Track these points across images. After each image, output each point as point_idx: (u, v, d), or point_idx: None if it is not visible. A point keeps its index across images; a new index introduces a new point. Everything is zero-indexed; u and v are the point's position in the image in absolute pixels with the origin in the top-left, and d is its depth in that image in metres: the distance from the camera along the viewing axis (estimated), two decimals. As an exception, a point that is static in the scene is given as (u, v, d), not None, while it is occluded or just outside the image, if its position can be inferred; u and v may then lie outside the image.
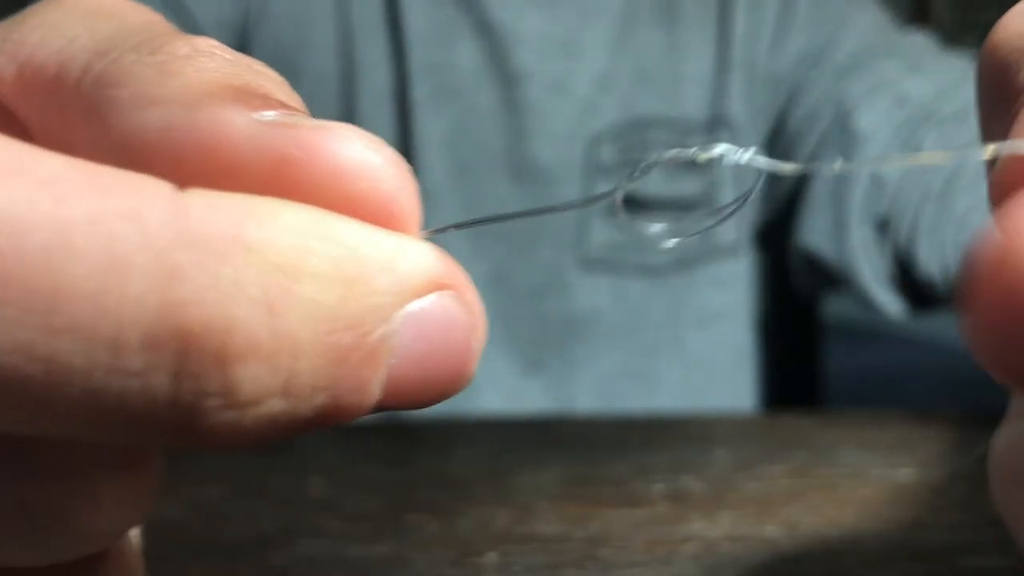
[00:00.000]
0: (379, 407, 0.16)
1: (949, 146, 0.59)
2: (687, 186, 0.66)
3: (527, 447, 0.47)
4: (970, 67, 0.64)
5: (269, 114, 0.16)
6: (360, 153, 0.16)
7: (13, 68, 0.17)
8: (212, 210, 0.14)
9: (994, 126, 0.19)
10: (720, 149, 0.18)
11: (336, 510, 0.39)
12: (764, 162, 0.18)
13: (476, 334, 0.17)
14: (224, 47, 0.17)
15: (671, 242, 0.20)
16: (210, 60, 0.16)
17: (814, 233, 0.64)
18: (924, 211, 0.59)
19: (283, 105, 0.16)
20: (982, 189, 0.58)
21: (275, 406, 0.14)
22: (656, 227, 0.20)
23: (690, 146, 0.67)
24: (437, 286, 0.16)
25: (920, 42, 0.66)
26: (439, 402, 0.16)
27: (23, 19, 0.18)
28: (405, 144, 0.64)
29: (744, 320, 0.69)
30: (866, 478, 0.41)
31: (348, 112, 0.64)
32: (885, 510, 0.38)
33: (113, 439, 0.14)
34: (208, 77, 0.16)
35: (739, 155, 0.18)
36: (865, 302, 0.63)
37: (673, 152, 0.18)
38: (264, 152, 0.15)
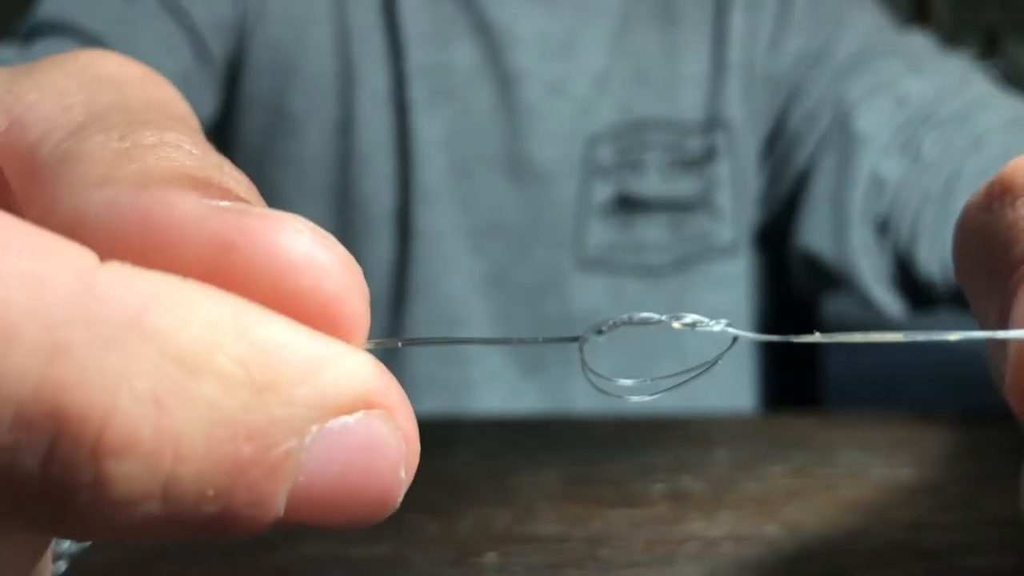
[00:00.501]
0: (279, 524, 0.14)
1: (949, 147, 0.59)
2: (684, 186, 0.66)
3: (527, 447, 0.47)
4: (970, 67, 0.64)
5: (221, 203, 0.15)
6: (306, 247, 0.15)
7: (5, 122, 0.17)
8: (119, 288, 0.13)
9: (982, 290, 0.18)
10: (690, 319, 0.17)
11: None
12: (735, 332, 0.17)
13: (406, 461, 0.15)
14: (196, 141, 0.16)
15: (644, 398, 0.19)
16: (174, 151, 0.16)
17: (814, 234, 0.64)
18: (924, 212, 0.59)
19: (239, 199, 0.15)
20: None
21: (152, 508, 0.13)
22: (627, 382, 0.18)
23: (688, 146, 0.67)
24: (365, 403, 0.14)
25: (920, 42, 0.66)
26: (350, 528, 0.15)
27: (32, 71, 0.18)
28: (403, 144, 0.64)
29: (743, 320, 0.69)
30: (866, 478, 0.41)
31: (346, 112, 0.64)
32: (885, 510, 0.38)
33: None
34: (166, 165, 0.15)
35: (711, 325, 0.17)
36: (865, 302, 0.63)
37: (640, 316, 0.18)
38: (207, 236, 0.14)
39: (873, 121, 0.62)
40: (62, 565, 0.32)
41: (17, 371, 0.12)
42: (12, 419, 0.12)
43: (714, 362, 0.17)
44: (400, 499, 0.15)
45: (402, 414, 0.15)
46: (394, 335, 0.65)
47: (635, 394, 0.18)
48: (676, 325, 0.17)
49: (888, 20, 0.68)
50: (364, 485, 0.14)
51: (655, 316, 0.16)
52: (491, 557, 0.34)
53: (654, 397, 0.18)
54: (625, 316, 0.16)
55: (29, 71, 0.18)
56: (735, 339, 0.17)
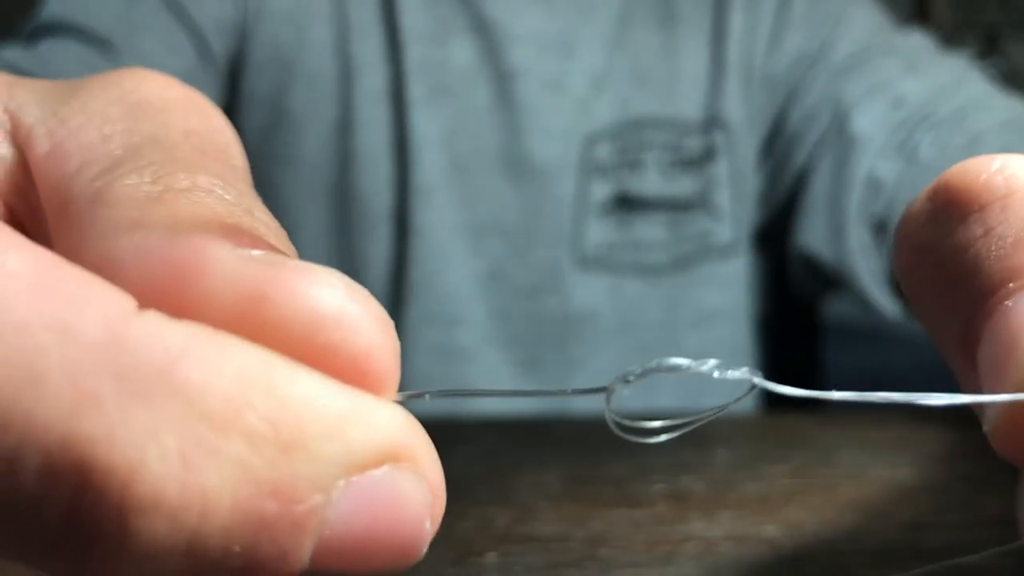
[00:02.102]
0: (308, 573, 0.14)
1: (945, 148, 0.59)
2: (683, 186, 0.66)
3: (527, 447, 0.47)
4: (967, 67, 0.64)
5: (253, 252, 0.15)
6: (339, 301, 0.15)
7: (48, 145, 0.17)
8: (150, 339, 0.13)
9: (937, 311, 0.18)
10: (714, 362, 0.17)
11: (336, 510, 0.39)
12: (759, 381, 0.17)
13: (432, 513, 0.15)
14: (230, 180, 0.16)
15: (662, 437, 0.18)
16: (207, 196, 0.16)
17: (812, 235, 0.64)
18: (922, 213, 0.59)
19: (271, 248, 0.15)
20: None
21: (175, 563, 0.13)
22: (652, 424, 0.18)
23: (687, 146, 0.67)
24: (392, 457, 0.14)
25: (918, 41, 0.66)
26: (385, 572, 0.15)
27: (79, 91, 0.18)
28: (401, 142, 0.64)
29: (742, 319, 0.69)
30: (866, 478, 0.41)
31: (345, 110, 0.64)
32: (885, 510, 0.38)
33: (4, 552, 0.13)
34: (198, 211, 0.15)
35: (732, 372, 0.17)
36: (864, 304, 0.63)
37: (668, 363, 0.17)
38: (239, 287, 0.14)
39: (870, 122, 0.62)
40: None
41: (44, 421, 0.12)
42: (38, 469, 0.12)
43: (725, 407, 0.17)
44: (425, 549, 0.15)
45: (429, 466, 0.15)
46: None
47: (657, 435, 0.18)
48: (703, 370, 0.17)
49: (887, 19, 0.68)
50: (390, 537, 0.14)
51: (683, 362, 0.16)
52: (491, 557, 0.34)
53: (676, 435, 0.18)
54: (653, 363, 0.16)
55: (76, 91, 0.18)
56: (753, 386, 0.17)
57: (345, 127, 0.64)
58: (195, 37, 0.62)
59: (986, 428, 0.16)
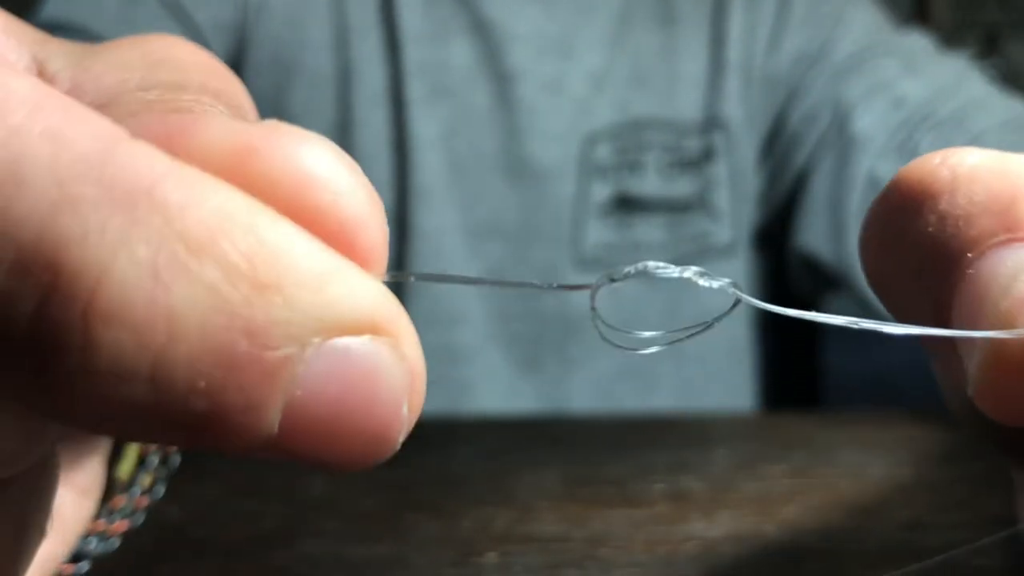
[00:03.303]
0: (273, 447, 0.14)
1: (945, 148, 0.59)
2: (682, 187, 0.66)
3: (527, 447, 0.47)
4: (967, 67, 0.64)
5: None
6: (331, 164, 0.15)
7: (67, 87, 0.17)
8: (138, 158, 0.13)
9: (909, 293, 0.18)
10: (695, 270, 0.17)
11: (336, 510, 0.39)
12: (739, 294, 0.17)
13: (410, 396, 0.14)
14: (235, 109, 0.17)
15: (651, 350, 0.19)
16: (210, 105, 0.16)
17: (812, 236, 0.64)
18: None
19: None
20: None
21: (139, 391, 0.13)
22: (642, 334, 0.18)
23: (686, 146, 0.68)
24: (372, 328, 0.14)
25: (917, 41, 0.66)
26: (348, 466, 0.14)
27: (106, 48, 0.18)
28: (400, 142, 0.64)
29: (741, 320, 0.69)
30: (866, 478, 0.41)
31: (344, 110, 0.64)
32: (885, 510, 0.38)
33: None
34: (199, 109, 0.15)
35: (715, 281, 0.17)
36: (864, 305, 0.63)
37: (653, 265, 0.17)
38: (232, 141, 0.14)
39: (870, 123, 0.62)
40: (84, 566, 0.32)
41: (22, 216, 0.12)
42: (10, 264, 0.12)
43: (714, 322, 0.18)
44: (401, 439, 0.14)
45: (410, 346, 0.14)
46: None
47: (642, 346, 0.18)
48: (687, 276, 0.17)
49: (887, 19, 0.68)
50: (364, 413, 0.14)
51: (668, 267, 0.16)
52: (491, 557, 0.34)
53: (659, 348, 0.19)
54: (640, 265, 0.16)
55: (103, 49, 0.18)
56: (737, 301, 0.17)
57: (344, 127, 0.64)
58: (194, 37, 0.62)
59: (970, 391, 0.16)
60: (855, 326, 0.17)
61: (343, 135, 0.64)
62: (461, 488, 0.41)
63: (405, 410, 0.14)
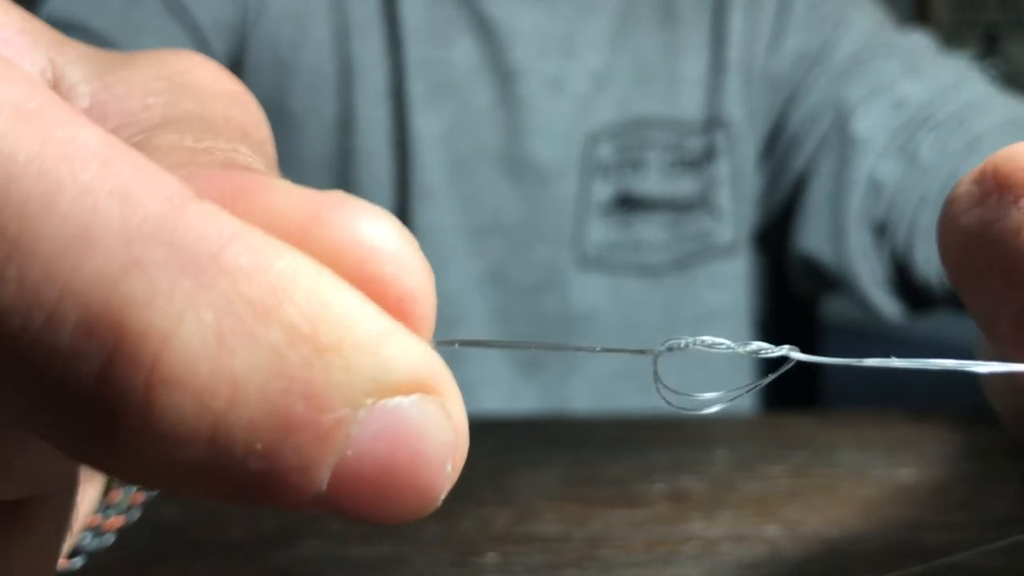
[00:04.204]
0: (320, 504, 0.14)
1: (945, 150, 0.59)
2: (684, 186, 0.66)
3: (527, 447, 0.47)
4: (967, 68, 0.64)
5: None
6: (396, 238, 0.15)
7: (87, 103, 0.17)
8: (206, 220, 0.13)
9: (990, 295, 0.18)
10: (755, 346, 0.17)
11: (336, 510, 0.39)
12: (798, 356, 0.17)
13: (454, 455, 0.15)
14: (269, 165, 0.17)
15: (714, 408, 0.18)
16: (251, 159, 0.16)
17: (813, 237, 0.64)
18: (921, 215, 0.59)
19: None
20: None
21: (197, 451, 0.13)
22: (704, 396, 0.18)
23: (687, 146, 0.67)
24: (422, 387, 0.14)
25: (918, 41, 0.66)
26: (391, 521, 0.14)
27: (129, 63, 0.18)
28: (402, 141, 0.64)
29: (742, 319, 0.69)
30: (866, 478, 0.41)
31: (345, 109, 0.64)
32: (885, 510, 0.38)
33: (33, 413, 0.13)
34: (245, 162, 0.16)
35: (772, 352, 0.17)
36: (863, 305, 0.63)
37: (712, 341, 0.17)
38: (299, 207, 0.15)
39: (870, 124, 0.62)
40: (78, 562, 0.32)
41: (89, 277, 0.12)
42: (75, 323, 0.12)
43: (767, 382, 0.18)
44: (443, 496, 0.15)
45: (456, 406, 0.15)
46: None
47: (703, 407, 0.18)
48: (742, 351, 0.17)
49: (887, 19, 0.68)
50: (411, 471, 0.14)
51: (725, 343, 0.16)
52: (491, 557, 0.34)
53: (724, 406, 0.18)
54: (699, 339, 0.16)
55: (126, 63, 0.18)
56: (787, 360, 0.17)
57: (345, 126, 0.64)
58: (195, 36, 0.62)
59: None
60: (962, 369, 0.16)
61: (344, 133, 0.64)
62: (461, 488, 0.41)
63: (449, 468, 0.14)
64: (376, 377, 0.14)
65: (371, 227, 0.15)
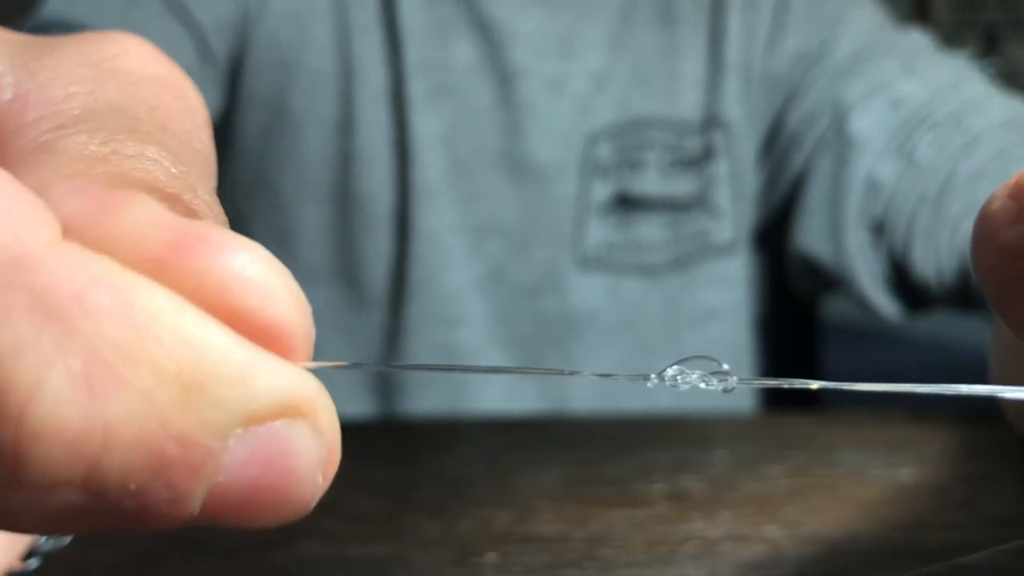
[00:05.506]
0: (193, 522, 0.14)
1: (943, 149, 0.59)
2: (683, 186, 0.66)
3: (527, 447, 0.47)
4: (966, 67, 0.64)
5: (183, 215, 0.15)
6: (260, 269, 0.15)
7: (10, 95, 0.17)
8: (69, 263, 0.13)
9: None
10: (732, 382, 0.17)
11: (336, 510, 0.39)
12: (820, 384, 0.17)
13: (326, 467, 0.15)
14: (179, 163, 0.16)
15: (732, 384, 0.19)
16: (152, 165, 0.16)
17: (811, 236, 0.64)
18: (919, 214, 0.59)
19: (205, 220, 0.15)
20: (976, 192, 0.59)
21: (70, 497, 0.13)
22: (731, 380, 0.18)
23: (686, 146, 0.67)
24: (290, 411, 0.14)
25: (917, 41, 0.66)
26: (269, 525, 0.15)
27: (55, 49, 0.17)
28: (402, 142, 0.64)
29: (741, 319, 0.69)
30: (866, 478, 0.41)
31: (346, 111, 0.64)
32: (885, 510, 0.38)
33: None
34: (139, 175, 0.15)
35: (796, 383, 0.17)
36: (862, 305, 0.63)
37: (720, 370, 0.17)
38: (161, 232, 0.14)
39: (868, 124, 0.62)
40: (33, 563, 0.32)
41: None
42: None
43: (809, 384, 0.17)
44: (315, 502, 0.15)
45: (327, 421, 0.15)
46: (394, 333, 0.65)
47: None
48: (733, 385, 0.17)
49: (886, 18, 0.68)
50: (281, 488, 0.14)
51: (730, 378, 0.16)
52: (491, 557, 0.34)
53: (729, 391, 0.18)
54: (706, 374, 0.17)
55: (53, 48, 0.18)
56: (814, 390, 0.17)
57: (346, 127, 0.64)
58: (195, 36, 0.62)
59: None
60: (1000, 395, 0.16)
61: (344, 134, 0.64)
62: (461, 488, 0.41)
63: (319, 479, 0.15)
64: (242, 408, 0.14)
65: (234, 259, 0.14)
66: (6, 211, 0.13)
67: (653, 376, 0.18)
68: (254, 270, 0.15)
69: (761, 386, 0.17)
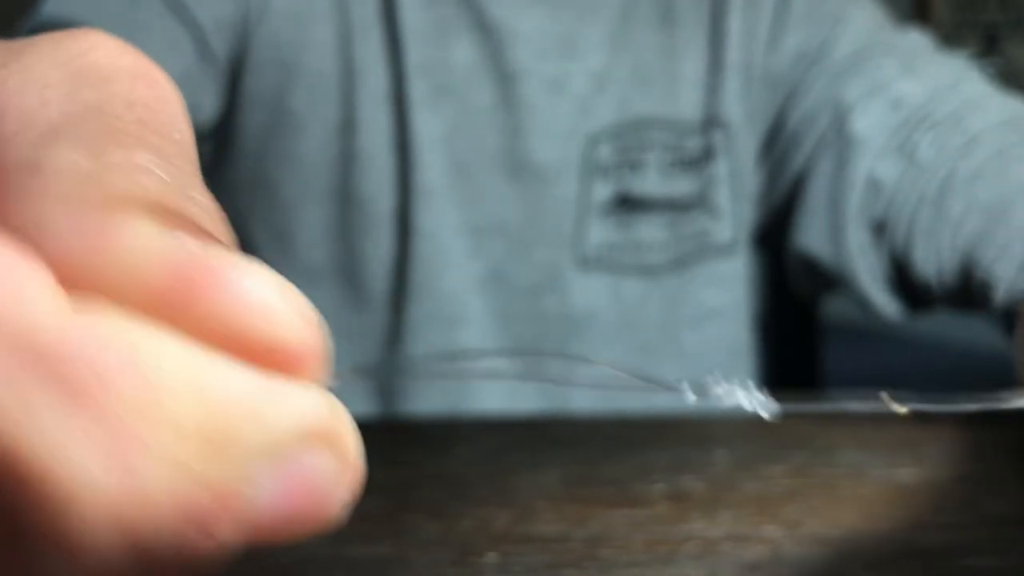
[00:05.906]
0: (224, 551, 0.15)
1: (943, 149, 0.59)
2: (683, 186, 0.66)
3: (527, 447, 0.47)
4: (966, 67, 0.64)
5: (182, 235, 0.14)
6: (267, 293, 0.15)
7: None
8: (76, 330, 0.13)
9: None
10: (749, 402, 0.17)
11: (336, 510, 0.39)
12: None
13: (349, 486, 0.15)
14: (167, 164, 0.16)
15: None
16: (142, 174, 0.15)
17: (811, 236, 0.64)
18: (920, 214, 0.59)
19: (201, 231, 0.15)
20: (976, 192, 0.59)
21: (115, 562, 0.13)
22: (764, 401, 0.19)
23: (687, 146, 0.67)
24: (312, 438, 0.15)
25: (917, 41, 0.66)
26: (298, 538, 0.15)
27: (23, 52, 0.17)
28: (402, 142, 0.64)
29: (741, 319, 0.69)
30: (866, 478, 0.41)
31: (347, 111, 0.64)
32: (885, 510, 0.38)
33: None
34: (131, 190, 0.15)
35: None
36: (862, 304, 0.63)
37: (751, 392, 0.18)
38: (164, 267, 0.14)
39: (869, 124, 0.62)
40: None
41: None
42: None
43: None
44: (342, 514, 0.15)
45: (349, 444, 0.15)
46: (394, 334, 0.65)
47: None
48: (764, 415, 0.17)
49: (886, 18, 0.68)
50: (307, 511, 0.15)
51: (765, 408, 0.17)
52: (491, 557, 0.34)
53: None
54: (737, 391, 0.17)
55: (20, 52, 0.17)
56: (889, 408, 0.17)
57: (346, 128, 0.64)
58: (196, 36, 0.62)
59: None
60: None
61: (345, 135, 0.64)
62: (461, 488, 0.41)
63: (347, 495, 0.15)
64: (263, 443, 0.14)
65: (238, 286, 0.14)
66: (6, 293, 0.13)
67: (690, 392, 0.18)
68: (259, 295, 0.15)
69: (842, 411, 0.17)
